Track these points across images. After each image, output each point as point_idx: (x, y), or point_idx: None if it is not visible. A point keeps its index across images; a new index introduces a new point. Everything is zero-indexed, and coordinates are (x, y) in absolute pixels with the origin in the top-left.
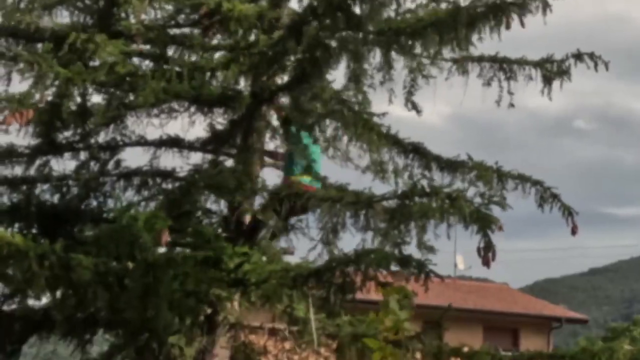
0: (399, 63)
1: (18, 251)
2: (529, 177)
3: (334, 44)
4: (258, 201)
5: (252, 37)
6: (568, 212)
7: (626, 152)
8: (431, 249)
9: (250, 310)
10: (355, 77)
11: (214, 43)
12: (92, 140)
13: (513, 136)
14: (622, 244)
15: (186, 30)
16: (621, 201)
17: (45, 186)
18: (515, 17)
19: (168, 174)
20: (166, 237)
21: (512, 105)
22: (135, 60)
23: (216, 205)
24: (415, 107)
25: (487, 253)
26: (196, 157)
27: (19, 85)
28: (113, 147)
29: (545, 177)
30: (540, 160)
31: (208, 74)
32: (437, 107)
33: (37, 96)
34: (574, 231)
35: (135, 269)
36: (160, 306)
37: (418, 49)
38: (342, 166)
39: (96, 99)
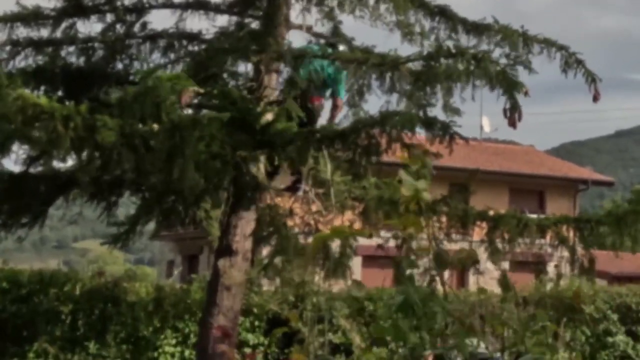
0: None
1: (43, 112)
2: (555, 41)
3: None
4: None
5: None
6: (591, 78)
7: None
8: (456, 111)
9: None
10: None
11: None
12: (118, 2)
13: (535, 8)
14: None
15: None
16: None
17: (71, 48)
18: None
19: (194, 37)
20: (187, 96)
21: None
22: None
23: (243, 67)
24: None
25: (513, 114)
26: (222, 20)
27: None
28: (139, 9)
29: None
30: (562, 31)
31: None
32: None
33: None
34: (595, 98)
35: (160, 130)
36: (186, 168)
37: None
38: (371, 26)
39: None
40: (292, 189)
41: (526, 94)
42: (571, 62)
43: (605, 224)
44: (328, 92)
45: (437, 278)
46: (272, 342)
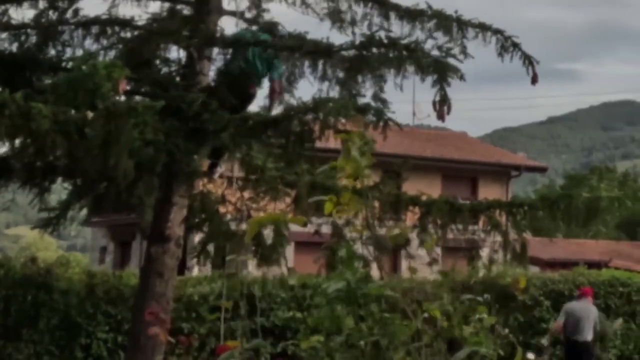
0: None
1: None
2: (490, 25)
3: None
4: (216, 50)
5: None
6: (528, 61)
7: (569, 13)
8: (385, 102)
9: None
10: None
11: None
12: None
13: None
14: (580, 92)
15: None
16: (573, 57)
17: (4, 35)
18: None
19: (127, 23)
20: (124, 85)
21: None
22: None
23: (175, 54)
24: None
25: (442, 106)
26: (155, 6)
27: None
28: None
29: None
30: (490, 22)
31: None
32: None
33: None
34: (534, 80)
35: (96, 117)
36: (120, 155)
37: None
38: (302, 13)
39: None
40: (209, 172)
41: (462, 78)
42: (507, 45)
43: (538, 208)
44: (264, 79)
45: (375, 262)
46: (206, 329)
